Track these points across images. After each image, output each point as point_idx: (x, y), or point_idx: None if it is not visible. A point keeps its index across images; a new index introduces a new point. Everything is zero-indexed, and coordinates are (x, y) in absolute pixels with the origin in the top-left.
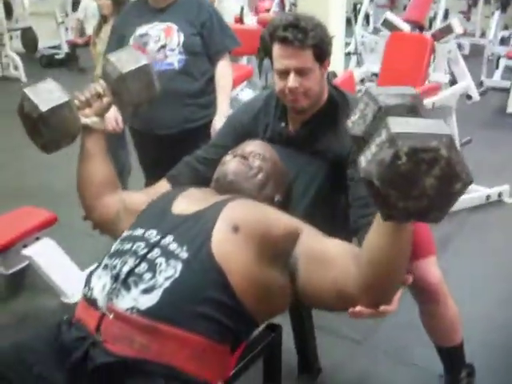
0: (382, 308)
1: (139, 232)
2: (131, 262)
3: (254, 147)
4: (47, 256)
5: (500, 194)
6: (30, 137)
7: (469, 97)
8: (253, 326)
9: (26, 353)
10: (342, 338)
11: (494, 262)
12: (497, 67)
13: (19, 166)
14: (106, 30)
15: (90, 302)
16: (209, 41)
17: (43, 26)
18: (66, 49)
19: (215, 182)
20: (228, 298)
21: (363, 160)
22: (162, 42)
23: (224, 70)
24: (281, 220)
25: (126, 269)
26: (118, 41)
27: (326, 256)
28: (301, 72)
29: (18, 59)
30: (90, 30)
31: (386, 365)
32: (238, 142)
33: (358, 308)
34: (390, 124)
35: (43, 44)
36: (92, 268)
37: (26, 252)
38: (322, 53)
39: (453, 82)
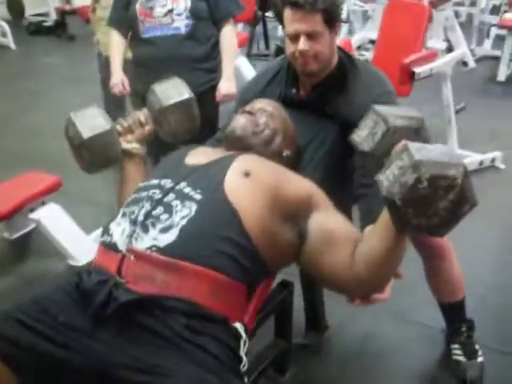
0: (375, 297)
1: (154, 181)
2: (147, 206)
3: (262, 104)
4: (54, 220)
5: (493, 160)
6: (74, 157)
7: (465, 64)
8: (265, 272)
9: (48, 304)
10: (344, 297)
11: (487, 224)
12: (488, 36)
13: (14, 133)
14: None
15: (110, 246)
16: (214, 6)
17: None
18: (53, 16)
19: (225, 139)
20: (242, 238)
21: (385, 180)
22: (168, 7)
23: (229, 35)
24: (291, 181)
25: (142, 212)
26: (124, 6)
27: (333, 239)
28: (311, 36)
29: (6, 26)
30: (75, 1)
31: (389, 323)
32: None
33: (357, 302)
34: (412, 150)
35: (30, 11)
36: (97, 232)
37: (33, 216)
38: (331, 17)
39: (449, 49)
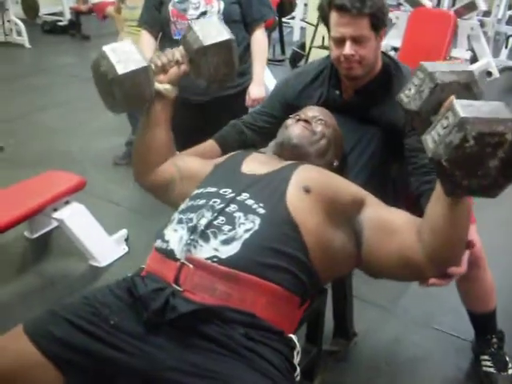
0: (451, 270)
1: (213, 189)
2: (208, 215)
3: (315, 112)
4: (78, 220)
5: None
6: (100, 95)
7: (489, 73)
8: (317, 285)
9: (99, 307)
10: (371, 304)
11: (507, 233)
12: (506, 46)
13: (30, 131)
14: None
15: (167, 253)
16: (246, 9)
17: None
18: (68, 15)
19: (279, 146)
20: (301, 253)
21: (430, 140)
22: (202, 9)
23: (260, 38)
24: (348, 188)
25: (203, 221)
26: (156, 7)
27: (391, 225)
28: (357, 40)
29: (21, 24)
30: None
31: (416, 331)
32: (287, 113)
33: (432, 280)
34: (457, 108)
35: (44, 10)
36: (120, 233)
37: (57, 215)
38: (378, 22)
39: (473, 58)
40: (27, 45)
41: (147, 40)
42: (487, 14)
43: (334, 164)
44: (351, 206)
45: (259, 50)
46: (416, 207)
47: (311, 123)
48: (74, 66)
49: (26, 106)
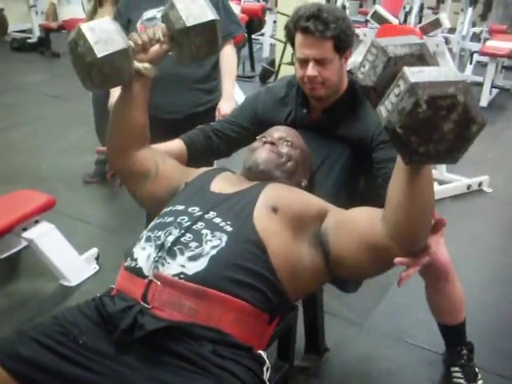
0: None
1: (181, 207)
2: (176, 232)
3: (282, 133)
4: (48, 239)
5: (480, 184)
6: (78, 75)
7: None
8: (287, 303)
9: (69, 326)
10: (342, 319)
11: (475, 247)
12: (470, 62)
13: None
14: (102, 13)
15: (135, 271)
16: None
17: (14, 8)
18: (37, 33)
19: (247, 171)
20: (269, 273)
21: (383, 110)
22: None
23: (229, 55)
24: (314, 203)
25: (170, 238)
26: (125, 25)
27: (351, 218)
28: (320, 62)
29: None
30: (62, 15)
31: (388, 345)
32: (255, 126)
33: (398, 259)
34: (407, 74)
35: (13, 27)
36: (90, 252)
37: (26, 235)
38: (341, 44)
39: None
40: None
41: None
42: (452, 31)
43: (303, 184)
44: (317, 219)
45: (228, 66)
46: None
47: (277, 145)
48: (44, 84)
49: None
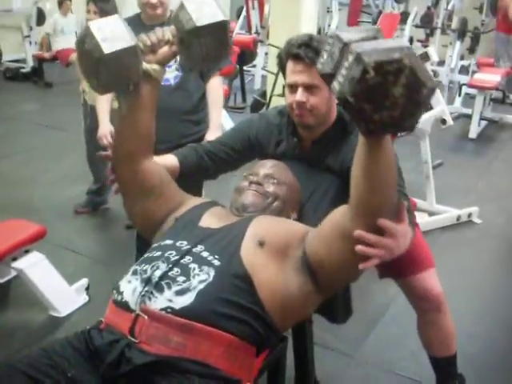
0: (382, 221)
1: (169, 242)
2: (163, 266)
3: (268, 169)
4: (38, 269)
5: (469, 215)
6: (84, 74)
7: (443, 121)
8: (276, 334)
9: (57, 359)
10: (332, 350)
11: (465, 279)
12: (459, 95)
13: None
14: None
15: (122, 305)
16: None
17: (8, 38)
18: (31, 62)
19: (235, 211)
20: (257, 307)
21: (336, 85)
22: None
23: (216, 87)
24: (298, 230)
25: (158, 273)
26: None
27: (325, 220)
28: (309, 88)
29: None
30: (56, 44)
31: (376, 377)
32: (247, 150)
33: (358, 232)
34: (353, 47)
35: (7, 57)
36: (80, 282)
37: (16, 265)
38: None
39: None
40: None
41: None
42: (441, 63)
43: (292, 218)
44: (301, 244)
45: (215, 97)
46: None
47: (263, 184)
48: (37, 114)
49: None
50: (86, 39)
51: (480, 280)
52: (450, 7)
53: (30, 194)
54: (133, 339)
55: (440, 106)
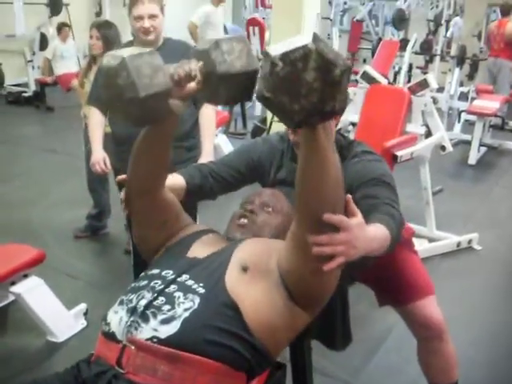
0: (328, 216)
1: (155, 271)
2: (148, 296)
3: (263, 198)
4: (36, 294)
5: (470, 241)
6: (108, 105)
7: (443, 148)
8: (266, 359)
9: None
10: (331, 378)
11: (465, 306)
12: (459, 121)
13: None
14: (95, 70)
15: (109, 336)
16: None
17: (11, 63)
18: (33, 87)
19: (227, 238)
20: (244, 331)
21: (257, 88)
22: None
23: (208, 113)
24: (278, 248)
25: (143, 302)
26: None
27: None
28: None
29: None
30: (57, 70)
31: None
32: (250, 172)
33: (313, 238)
34: (265, 50)
35: (10, 81)
36: (79, 307)
37: (14, 289)
38: None
39: (428, 133)
40: None
41: (97, 118)
42: (440, 90)
43: None
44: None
45: (207, 124)
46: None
47: (257, 213)
48: (38, 137)
49: None
50: (120, 73)
51: (480, 306)
52: (448, 34)
53: (29, 217)
54: (120, 370)
55: (439, 133)
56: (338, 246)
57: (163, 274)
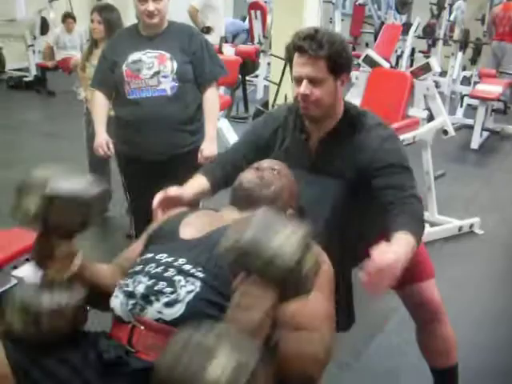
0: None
1: (149, 255)
2: (145, 280)
3: (269, 163)
4: (38, 277)
5: (471, 226)
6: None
7: (445, 132)
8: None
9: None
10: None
11: (466, 289)
12: (461, 105)
13: None
14: (96, 54)
15: (117, 319)
16: (199, 69)
17: (11, 47)
18: (34, 71)
19: (232, 192)
20: None
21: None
22: (155, 69)
23: (212, 97)
24: None
25: (141, 287)
26: (109, 67)
27: None
28: (313, 81)
29: None
30: (58, 56)
31: None
32: (259, 152)
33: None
34: None
35: (10, 66)
36: None
37: (16, 273)
38: (336, 65)
39: (430, 117)
40: None
41: (101, 101)
42: (443, 74)
43: (288, 212)
44: None
45: (211, 109)
46: None
47: (263, 171)
48: (39, 122)
49: None
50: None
51: (482, 290)
52: (452, 18)
53: None
54: (131, 349)
55: (442, 117)
56: (385, 281)
57: (157, 257)
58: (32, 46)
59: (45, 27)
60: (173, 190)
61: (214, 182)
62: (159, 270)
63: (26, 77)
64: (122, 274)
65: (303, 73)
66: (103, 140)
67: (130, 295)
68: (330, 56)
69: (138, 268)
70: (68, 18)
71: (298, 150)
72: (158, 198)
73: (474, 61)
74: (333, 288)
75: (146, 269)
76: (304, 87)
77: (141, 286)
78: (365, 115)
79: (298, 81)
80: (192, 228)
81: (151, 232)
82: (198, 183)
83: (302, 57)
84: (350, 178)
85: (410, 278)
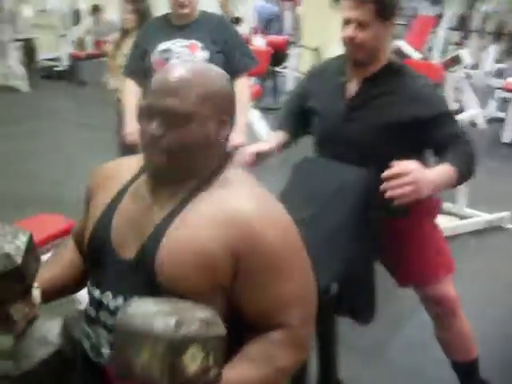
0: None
1: (96, 294)
2: (105, 334)
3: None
4: None
5: (501, 220)
6: None
7: (474, 125)
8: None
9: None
10: (355, 350)
11: (494, 284)
12: (493, 98)
13: (23, 175)
14: (128, 43)
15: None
16: (230, 59)
17: (44, 37)
18: (65, 61)
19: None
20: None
21: None
22: (185, 58)
23: (242, 88)
24: None
25: (104, 342)
26: (141, 56)
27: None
28: (360, 24)
29: (22, 70)
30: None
31: (399, 380)
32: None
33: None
34: None
35: (43, 56)
36: None
37: (44, 259)
38: (383, 9)
39: (460, 109)
40: (24, 89)
41: (133, 88)
42: (477, 66)
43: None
44: None
45: (241, 100)
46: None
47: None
48: (70, 112)
49: (19, 150)
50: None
51: (508, 285)
52: (486, 10)
53: (59, 190)
54: None
55: (472, 110)
56: (406, 187)
57: (104, 299)
58: (64, 35)
59: (77, 17)
60: (265, 145)
61: (293, 132)
62: (113, 319)
63: (57, 67)
64: (79, 250)
65: (351, 16)
66: (134, 128)
67: (93, 347)
68: (378, 0)
69: (92, 313)
70: (97, 10)
71: (334, 94)
72: (251, 153)
73: (509, 53)
74: (299, 246)
75: (101, 318)
76: (350, 30)
77: (103, 340)
78: (408, 67)
79: (345, 24)
80: (123, 236)
81: (88, 236)
82: (279, 136)
83: (351, 0)
84: (387, 121)
85: (431, 278)
